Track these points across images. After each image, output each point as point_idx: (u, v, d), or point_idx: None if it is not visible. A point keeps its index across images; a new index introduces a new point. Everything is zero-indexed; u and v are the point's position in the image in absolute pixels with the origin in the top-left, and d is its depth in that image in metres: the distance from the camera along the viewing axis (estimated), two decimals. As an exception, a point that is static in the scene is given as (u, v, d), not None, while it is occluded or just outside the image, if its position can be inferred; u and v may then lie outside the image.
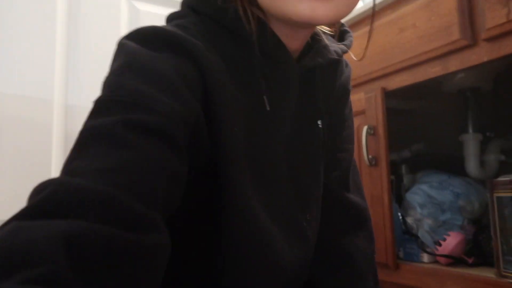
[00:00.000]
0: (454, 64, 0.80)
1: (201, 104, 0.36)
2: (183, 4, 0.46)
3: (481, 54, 0.75)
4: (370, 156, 0.98)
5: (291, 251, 0.43)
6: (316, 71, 0.48)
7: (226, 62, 0.40)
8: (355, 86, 1.04)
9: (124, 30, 1.22)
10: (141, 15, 1.24)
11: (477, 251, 0.88)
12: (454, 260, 0.88)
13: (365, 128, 0.99)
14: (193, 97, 0.36)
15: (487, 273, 0.78)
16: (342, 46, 0.50)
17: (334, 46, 0.49)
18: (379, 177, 0.96)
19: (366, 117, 1.01)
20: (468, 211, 1.00)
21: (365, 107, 1.01)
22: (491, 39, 0.73)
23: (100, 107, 0.33)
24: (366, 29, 1.00)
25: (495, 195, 0.74)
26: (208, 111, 0.37)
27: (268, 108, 0.43)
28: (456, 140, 1.08)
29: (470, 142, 1.04)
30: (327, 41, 0.48)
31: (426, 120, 1.40)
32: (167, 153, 0.32)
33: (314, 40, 0.47)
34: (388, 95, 1.01)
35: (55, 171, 1.13)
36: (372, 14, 0.53)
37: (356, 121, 1.05)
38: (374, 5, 0.56)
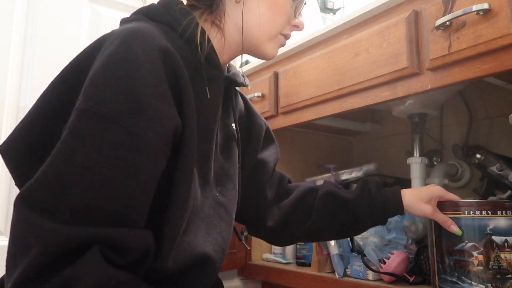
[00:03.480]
0: (402, 90, 0.85)
1: (175, 102, 0.49)
2: (137, 12, 0.58)
3: (425, 82, 0.80)
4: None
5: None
6: (232, 87, 0.67)
7: (181, 59, 0.52)
8: (310, 105, 1.08)
9: (84, 35, 1.20)
10: (103, 20, 1.22)
11: (418, 270, 0.91)
12: (397, 278, 0.91)
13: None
14: (171, 106, 0.48)
15: (425, 291, 0.82)
16: (245, 80, 0.69)
17: (241, 77, 0.68)
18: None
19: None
20: (412, 231, 1.04)
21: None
22: (434, 69, 0.78)
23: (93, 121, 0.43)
24: (323, 51, 1.04)
25: (434, 215, 0.78)
26: (180, 103, 0.50)
27: (208, 96, 0.57)
28: (405, 162, 1.13)
29: (416, 165, 1.09)
30: (236, 70, 0.69)
31: (378, 142, 1.46)
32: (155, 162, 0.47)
33: (230, 65, 0.69)
34: (341, 116, 1.05)
35: (1, 171, 1.08)
36: None
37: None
38: None
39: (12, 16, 1.11)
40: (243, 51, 0.64)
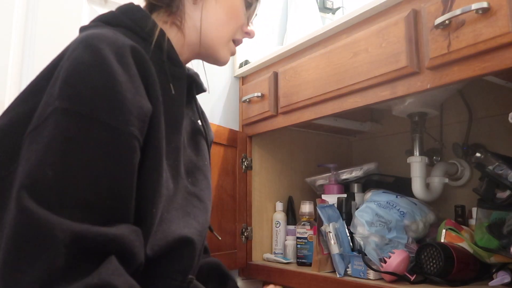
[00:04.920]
0: (402, 89, 0.85)
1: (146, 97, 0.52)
2: (96, 20, 0.60)
3: (425, 81, 0.80)
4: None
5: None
6: (193, 86, 0.70)
7: None
8: (310, 105, 1.07)
9: (83, 35, 1.20)
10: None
11: (418, 269, 0.91)
12: (397, 277, 0.91)
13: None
14: (143, 97, 0.50)
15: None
16: (203, 85, 0.72)
17: (200, 79, 0.72)
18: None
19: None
20: (412, 231, 1.04)
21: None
22: (433, 68, 0.78)
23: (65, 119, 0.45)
24: (322, 50, 1.04)
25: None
26: (148, 97, 0.52)
27: (173, 92, 0.60)
28: (406, 161, 1.13)
29: (417, 165, 1.09)
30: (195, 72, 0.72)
31: (379, 141, 1.46)
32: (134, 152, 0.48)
33: (189, 68, 0.72)
34: (341, 116, 1.05)
35: None
36: None
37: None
38: None
39: (11, 17, 1.11)
40: (200, 53, 0.68)
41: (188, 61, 0.70)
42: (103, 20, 0.60)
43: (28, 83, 0.55)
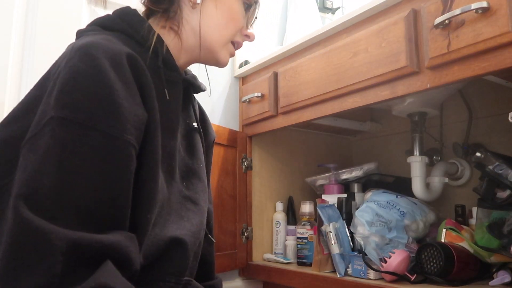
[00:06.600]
0: (401, 89, 0.85)
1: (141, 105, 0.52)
2: (92, 23, 0.61)
3: (425, 81, 0.80)
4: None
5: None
6: (190, 89, 0.71)
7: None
8: (310, 105, 1.07)
9: (83, 36, 1.20)
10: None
11: (419, 269, 0.91)
12: (398, 277, 0.91)
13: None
14: (139, 105, 0.51)
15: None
16: (202, 85, 0.74)
17: (198, 81, 0.74)
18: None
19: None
20: (413, 230, 1.04)
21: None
22: (433, 68, 0.78)
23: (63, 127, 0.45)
24: (322, 50, 1.04)
25: None
26: (144, 104, 0.53)
27: (167, 98, 0.60)
28: (406, 161, 1.13)
29: (417, 164, 1.09)
30: (193, 74, 0.74)
31: (379, 141, 1.46)
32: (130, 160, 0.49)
33: (187, 70, 0.74)
34: (341, 115, 1.05)
35: None
36: None
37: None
38: None
39: (11, 18, 1.11)
40: (200, 56, 0.68)
41: (187, 65, 0.70)
42: (99, 24, 0.60)
43: (27, 86, 0.55)
